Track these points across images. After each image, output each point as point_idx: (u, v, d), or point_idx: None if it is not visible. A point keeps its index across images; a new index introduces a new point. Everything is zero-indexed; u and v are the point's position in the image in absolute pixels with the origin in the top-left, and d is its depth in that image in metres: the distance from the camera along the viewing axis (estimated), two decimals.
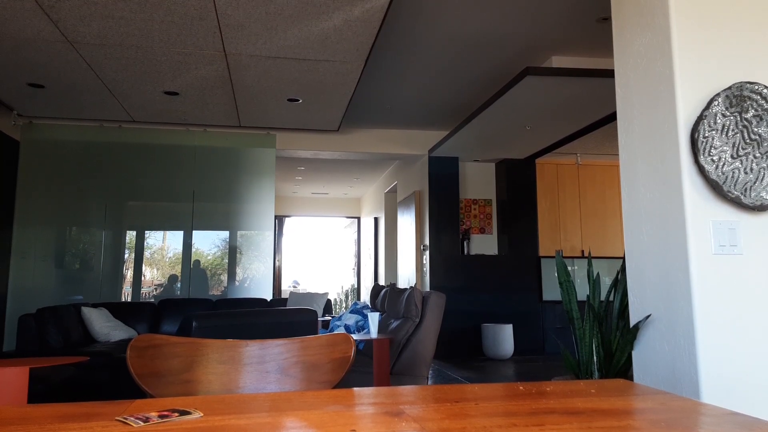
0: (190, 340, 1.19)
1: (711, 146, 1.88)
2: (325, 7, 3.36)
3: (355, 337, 3.59)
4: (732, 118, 1.91)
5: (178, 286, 6.33)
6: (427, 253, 6.69)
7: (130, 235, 6.27)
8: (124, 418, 0.81)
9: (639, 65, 2.17)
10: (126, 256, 6.16)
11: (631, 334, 2.10)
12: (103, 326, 4.96)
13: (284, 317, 3.37)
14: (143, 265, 6.30)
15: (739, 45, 2.00)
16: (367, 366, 3.92)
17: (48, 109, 5.39)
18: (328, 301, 7.17)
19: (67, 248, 6.01)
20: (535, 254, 6.72)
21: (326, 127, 6.04)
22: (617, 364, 2.17)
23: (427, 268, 6.70)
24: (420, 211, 7.07)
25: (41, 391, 3.56)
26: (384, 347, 3.53)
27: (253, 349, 1.20)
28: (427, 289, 6.66)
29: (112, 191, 6.10)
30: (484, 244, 6.99)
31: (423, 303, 4.05)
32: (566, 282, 2.41)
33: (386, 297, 6.94)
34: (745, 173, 1.89)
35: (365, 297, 10.80)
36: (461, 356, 6.47)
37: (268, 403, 0.99)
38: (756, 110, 1.92)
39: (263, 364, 1.20)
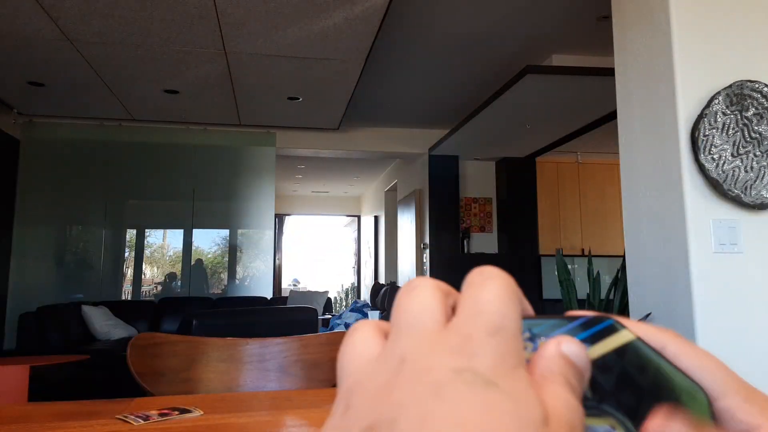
0: (190, 338, 1.19)
1: (711, 145, 1.88)
2: (326, 5, 3.35)
3: None
4: (732, 116, 1.91)
5: (179, 284, 6.33)
6: (428, 251, 6.69)
7: (131, 234, 6.28)
8: (125, 417, 0.81)
9: (639, 64, 2.17)
10: (126, 254, 6.16)
11: None
12: (104, 325, 4.96)
13: (284, 315, 3.37)
14: (143, 264, 6.30)
15: (740, 43, 1.99)
16: None
17: (48, 108, 5.39)
18: (329, 299, 7.18)
19: (68, 247, 6.01)
20: (535, 253, 6.71)
21: (326, 125, 6.04)
22: None
23: (427, 267, 6.71)
24: (420, 209, 7.07)
25: (42, 389, 3.56)
26: None
27: (253, 347, 1.20)
28: None
29: (112, 190, 6.09)
30: (485, 242, 6.99)
31: None
32: (566, 280, 2.41)
33: (386, 295, 6.92)
34: (746, 172, 1.89)
35: (365, 295, 10.80)
36: None
37: (268, 401, 0.99)
38: (756, 109, 1.92)
39: (263, 363, 1.20)
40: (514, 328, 0.16)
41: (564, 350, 0.17)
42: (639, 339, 0.18)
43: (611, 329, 0.18)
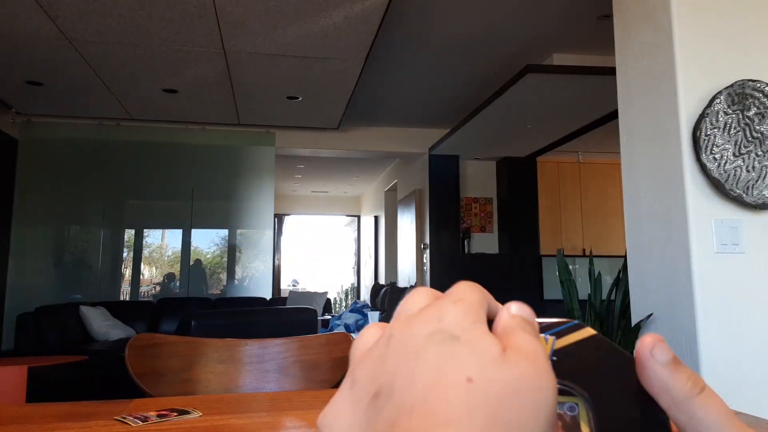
0: (189, 339, 1.18)
1: (713, 144, 1.87)
2: (325, 4, 3.35)
3: (354, 336, 3.58)
4: (734, 116, 1.90)
5: (177, 284, 6.32)
6: (428, 251, 6.68)
7: (129, 234, 6.26)
8: (123, 418, 0.80)
9: (640, 63, 2.16)
10: (125, 254, 6.14)
11: (632, 333, 2.09)
12: (102, 325, 4.95)
13: (284, 316, 3.36)
14: (142, 264, 6.28)
15: (741, 42, 1.99)
16: None
17: (46, 107, 5.37)
18: (328, 300, 7.17)
19: (66, 247, 6.00)
20: (536, 253, 6.71)
21: (326, 125, 6.03)
22: None
23: (427, 267, 6.70)
24: (420, 209, 7.07)
25: (40, 390, 3.55)
26: None
27: (252, 348, 1.20)
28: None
29: (110, 189, 6.08)
30: (485, 242, 6.98)
31: None
32: (567, 281, 2.40)
33: (386, 296, 6.92)
34: (747, 171, 1.88)
35: (365, 296, 10.80)
36: None
37: (267, 402, 0.98)
38: (758, 108, 1.91)
39: (262, 364, 1.19)
40: (474, 301, 0.20)
41: (513, 310, 0.21)
42: (599, 333, 0.21)
43: (576, 327, 0.21)
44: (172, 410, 0.85)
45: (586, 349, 0.21)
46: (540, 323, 0.21)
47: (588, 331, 0.21)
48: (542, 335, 0.21)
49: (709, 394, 0.20)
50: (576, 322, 0.21)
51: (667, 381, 0.20)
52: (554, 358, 0.20)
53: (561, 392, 0.20)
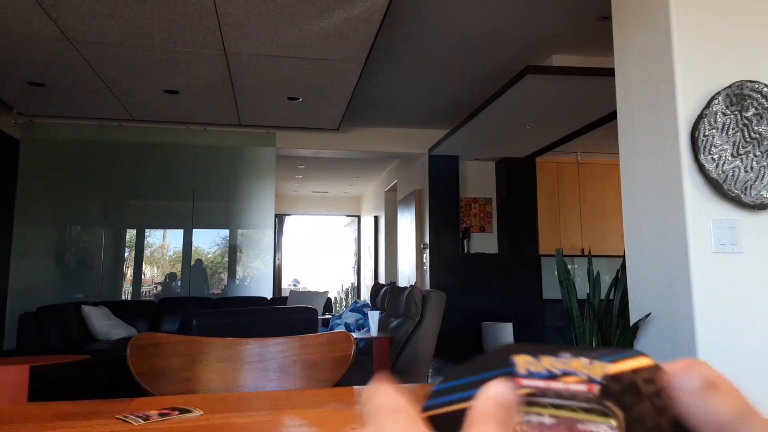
0: (190, 338, 1.19)
1: (711, 145, 1.88)
2: (325, 5, 3.35)
3: (355, 335, 3.60)
4: (732, 116, 1.91)
5: (178, 284, 6.33)
6: (427, 251, 6.68)
7: (131, 234, 6.27)
8: (125, 417, 0.81)
9: (639, 64, 2.17)
10: (126, 254, 6.16)
11: (631, 332, 2.10)
12: (104, 325, 4.96)
13: (284, 316, 3.37)
14: (143, 264, 6.30)
15: (740, 43, 1.99)
16: (367, 365, 3.92)
17: (48, 108, 5.38)
18: (328, 299, 7.17)
19: (68, 247, 6.01)
20: (535, 253, 6.71)
21: (326, 125, 6.03)
22: None
23: (427, 267, 6.70)
24: (420, 209, 7.07)
25: (41, 389, 3.56)
26: (384, 346, 3.54)
27: (253, 347, 1.20)
28: (428, 287, 6.66)
29: (112, 190, 6.09)
30: (485, 242, 6.99)
31: (423, 301, 4.05)
32: (566, 280, 2.41)
33: (386, 295, 6.92)
34: (746, 172, 1.89)
35: (365, 295, 10.80)
36: (461, 355, 6.47)
37: (268, 401, 0.99)
38: (756, 109, 1.92)
39: (263, 363, 1.20)
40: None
41: (491, 392, 0.19)
42: (657, 364, 0.20)
43: (635, 354, 0.21)
44: (174, 409, 0.86)
45: (636, 375, 0.20)
46: (601, 351, 0.21)
47: (645, 361, 0.21)
48: (596, 361, 0.21)
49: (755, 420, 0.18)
50: (637, 351, 0.21)
51: (702, 413, 0.18)
52: (604, 382, 0.20)
53: (600, 413, 0.20)
